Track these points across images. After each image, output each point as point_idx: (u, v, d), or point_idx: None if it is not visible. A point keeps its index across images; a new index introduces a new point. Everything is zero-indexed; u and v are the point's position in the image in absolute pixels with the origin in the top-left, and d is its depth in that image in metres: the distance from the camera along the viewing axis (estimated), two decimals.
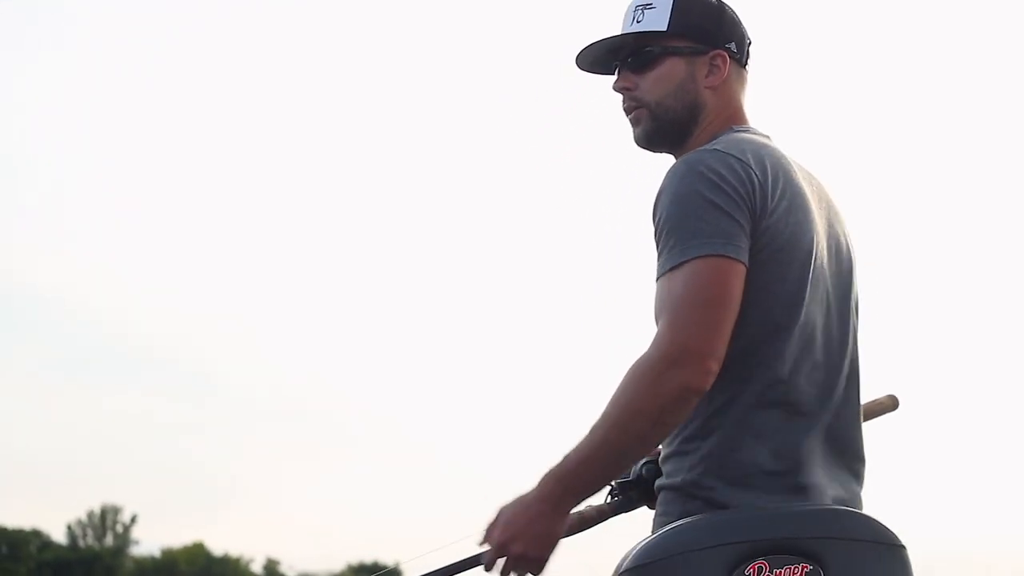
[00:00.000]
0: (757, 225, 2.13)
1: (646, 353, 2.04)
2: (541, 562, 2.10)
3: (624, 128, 2.39)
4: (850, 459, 2.23)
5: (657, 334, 2.06)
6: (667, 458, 2.21)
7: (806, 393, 2.17)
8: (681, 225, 2.10)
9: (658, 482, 2.22)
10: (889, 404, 2.64)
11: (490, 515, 2.11)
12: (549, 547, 2.09)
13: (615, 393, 2.04)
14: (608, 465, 2.06)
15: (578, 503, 2.10)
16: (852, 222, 2.37)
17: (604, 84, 2.41)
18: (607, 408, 2.05)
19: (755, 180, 2.14)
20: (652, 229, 2.17)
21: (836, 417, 2.21)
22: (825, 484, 2.16)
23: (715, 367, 2.04)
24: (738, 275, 2.09)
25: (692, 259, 2.07)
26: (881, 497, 2.45)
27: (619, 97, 2.39)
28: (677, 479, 2.16)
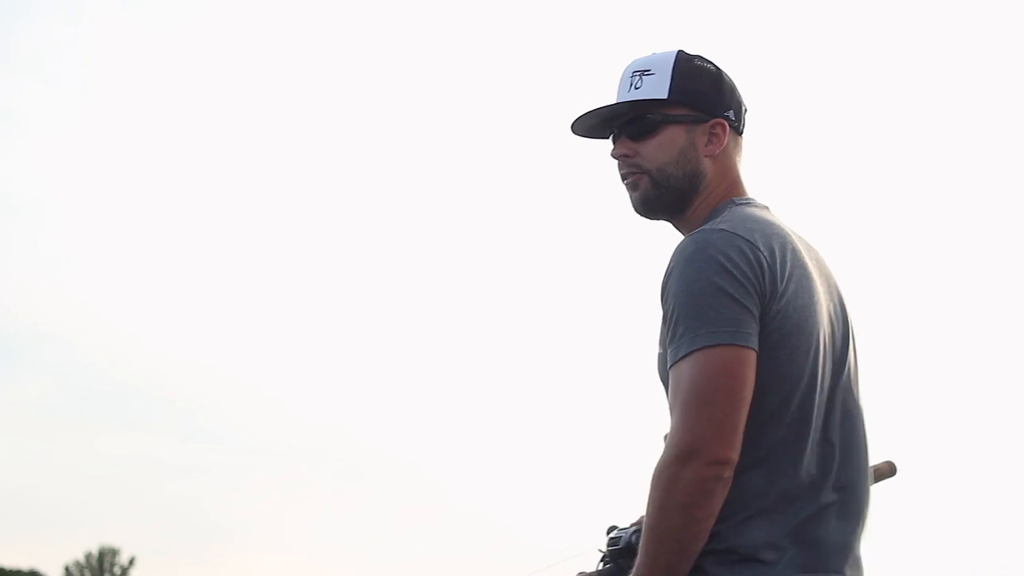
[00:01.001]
0: (767, 309, 2.13)
1: (662, 454, 2.07)
2: None
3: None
4: (854, 532, 2.22)
5: (670, 433, 2.08)
6: None
7: (815, 474, 2.17)
8: (689, 313, 2.10)
9: None
10: (887, 470, 2.61)
11: None
12: None
13: (647, 500, 2.10)
14: (667, 567, 2.08)
15: None
16: (847, 289, 2.36)
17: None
18: (645, 517, 2.10)
19: (764, 264, 2.14)
20: (661, 311, 2.17)
21: (845, 493, 2.20)
22: (830, 561, 2.16)
23: (729, 454, 2.06)
24: (748, 362, 2.09)
25: (701, 349, 2.07)
26: (881, 566, 2.41)
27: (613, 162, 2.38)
28: None
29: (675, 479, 2.04)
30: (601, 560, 2.41)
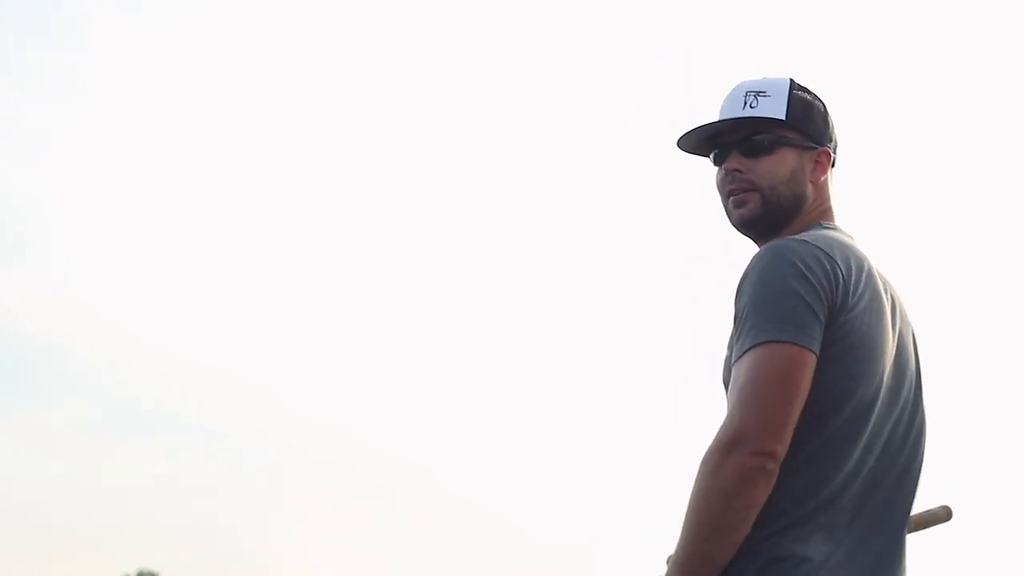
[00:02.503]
0: (835, 319, 2.17)
1: (710, 442, 2.11)
2: None
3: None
4: (891, 565, 2.24)
5: (733, 413, 2.12)
6: None
7: (854, 496, 2.19)
8: (759, 310, 2.15)
9: None
10: (943, 515, 2.58)
11: None
12: None
13: (692, 489, 2.12)
14: (703, 555, 2.11)
15: None
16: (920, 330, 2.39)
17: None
18: (687, 504, 2.13)
19: (839, 275, 2.19)
20: (733, 312, 2.22)
21: (882, 521, 2.23)
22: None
23: (775, 447, 2.09)
24: (807, 364, 2.13)
25: (762, 343, 2.12)
26: None
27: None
28: None
29: (719, 466, 2.08)
30: (667, 562, 2.40)
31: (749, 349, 2.13)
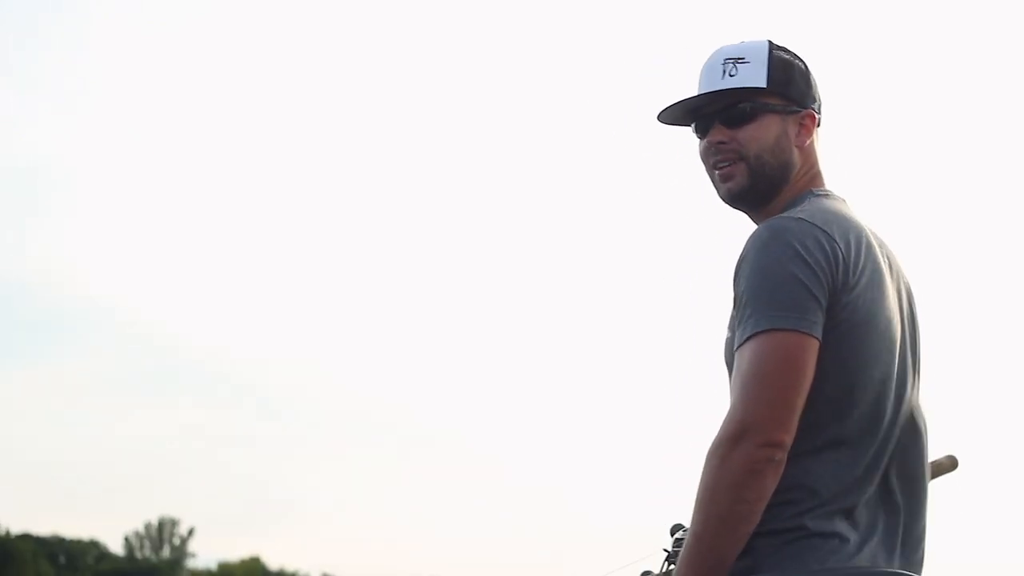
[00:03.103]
0: (837, 300, 2.14)
1: (716, 434, 2.10)
2: None
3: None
4: (911, 531, 2.24)
5: (726, 413, 2.11)
6: None
7: (879, 475, 2.19)
8: (759, 296, 2.12)
9: None
10: (948, 465, 2.61)
11: None
12: None
13: (699, 483, 2.11)
14: (713, 548, 2.10)
15: None
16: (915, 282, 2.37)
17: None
18: (696, 498, 2.12)
19: (839, 255, 2.16)
20: (733, 295, 2.20)
21: (906, 495, 2.23)
22: (881, 554, 2.17)
23: (782, 437, 2.08)
24: (810, 350, 2.11)
25: (764, 332, 2.10)
26: (940, 564, 2.42)
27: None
28: None
29: (726, 459, 2.07)
30: (666, 560, 2.41)
31: (751, 337, 2.11)
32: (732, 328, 2.21)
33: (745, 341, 2.12)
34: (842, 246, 2.17)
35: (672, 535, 2.43)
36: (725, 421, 2.10)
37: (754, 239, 2.19)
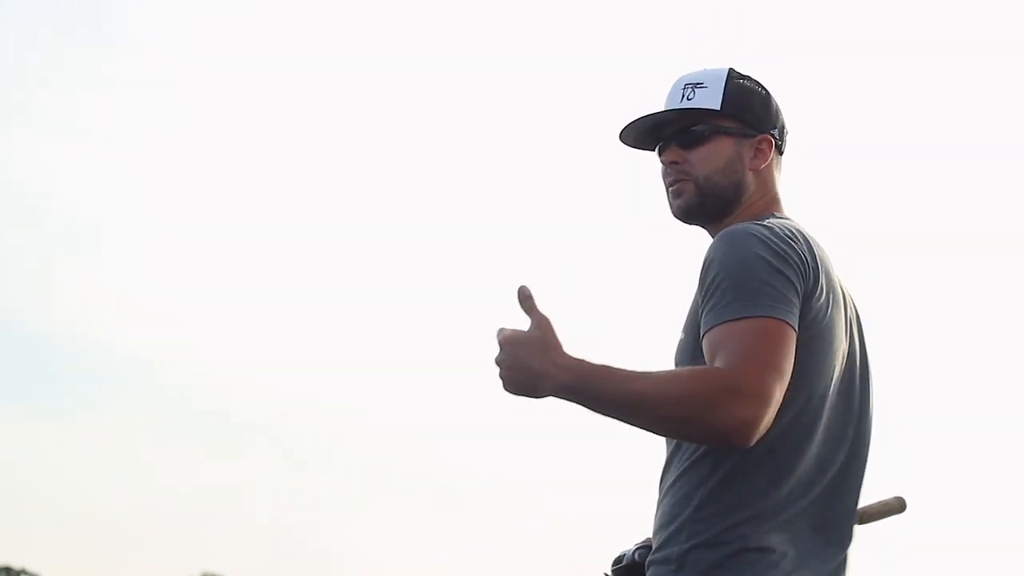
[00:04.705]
0: (805, 303, 2.16)
1: (723, 370, 2.04)
2: (508, 385, 2.10)
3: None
4: (843, 547, 2.25)
5: (735, 362, 2.04)
6: (659, 530, 2.23)
7: (812, 491, 2.19)
8: (745, 284, 2.11)
9: (649, 556, 2.24)
10: (896, 506, 2.59)
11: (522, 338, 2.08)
12: (522, 389, 2.09)
13: (677, 374, 2.09)
14: (622, 409, 2.05)
15: (570, 400, 2.07)
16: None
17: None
18: (662, 377, 2.05)
19: (807, 259, 2.18)
20: (702, 290, 2.17)
21: (836, 516, 2.23)
22: (819, 569, 2.19)
23: (768, 422, 2.04)
24: (792, 340, 2.10)
25: (761, 316, 2.08)
26: None
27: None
28: (671, 551, 2.18)
29: (716, 406, 2.00)
30: None
31: (736, 319, 2.08)
32: (686, 329, 2.22)
33: (727, 321, 2.08)
34: (808, 257, 2.19)
35: (613, 566, 2.40)
36: (737, 369, 2.03)
37: (723, 237, 2.20)
